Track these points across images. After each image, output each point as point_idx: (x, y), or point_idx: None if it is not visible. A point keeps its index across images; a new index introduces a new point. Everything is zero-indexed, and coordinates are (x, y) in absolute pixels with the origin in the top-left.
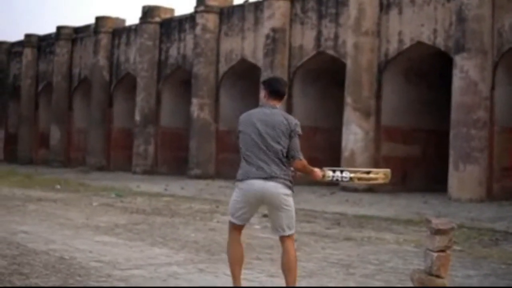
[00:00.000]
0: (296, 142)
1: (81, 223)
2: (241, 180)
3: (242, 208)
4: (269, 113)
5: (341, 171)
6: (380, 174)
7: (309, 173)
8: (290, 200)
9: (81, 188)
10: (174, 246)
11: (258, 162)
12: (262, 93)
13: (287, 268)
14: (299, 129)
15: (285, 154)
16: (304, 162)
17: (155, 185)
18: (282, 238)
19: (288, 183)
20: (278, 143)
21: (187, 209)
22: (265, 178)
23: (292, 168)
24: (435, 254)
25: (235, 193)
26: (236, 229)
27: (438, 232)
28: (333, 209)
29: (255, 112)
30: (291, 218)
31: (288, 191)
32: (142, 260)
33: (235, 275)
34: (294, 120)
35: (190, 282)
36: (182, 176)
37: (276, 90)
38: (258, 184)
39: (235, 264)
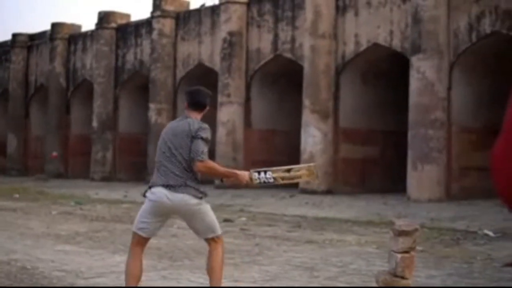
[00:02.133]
0: (197, 143)
1: (41, 232)
2: (150, 187)
3: (148, 219)
4: (179, 123)
5: (265, 172)
6: (303, 171)
7: (228, 176)
8: (203, 207)
9: (40, 197)
10: None
11: (165, 173)
12: (185, 104)
13: (211, 268)
14: (201, 133)
15: (190, 161)
16: (209, 163)
17: (114, 192)
18: (207, 240)
19: (196, 192)
20: (181, 151)
21: None
22: (172, 188)
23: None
24: (399, 256)
25: (144, 204)
26: (140, 243)
27: (401, 233)
28: (293, 211)
29: (169, 124)
30: (210, 222)
31: (196, 200)
32: (104, 268)
33: None
34: (197, 125)
35: None
36: (141, 182)
37: (195, 102)
38: (166, 196)
39: (132, 281)
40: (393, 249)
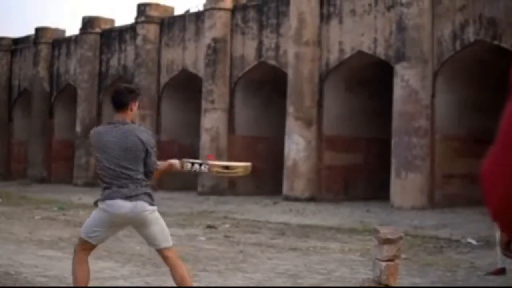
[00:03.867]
0: (152, 156)
1: (24, 237)
2: (103, 200)
3: (101, 228)
4: (122, 133)
5: (200, 164)
6: (239, 169)
7: (168, 170)
8: (157, 214)
9: (23, 201)
10: (120, 259)
11: (118, 183)
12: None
13: (181, 277)
14: (154, 144)
15: (142, 171)
16: (158, 167)
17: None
18: (162, 252)
19: (151, 200)
20: (135, 163)
21: None
22: (127, 198)
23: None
24: (384, 264)
25: (97, 214)
26: (87, 248)
27: (386, 241)
28: (277, 219)
29: (106, 132)
30: (163, 230)
31: (151, 207)
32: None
33: None
34: (147, 136)
35: None
36: None
37: (116, 102)
38: (122, 206)
39: (83, 285)
40: (377, 257)
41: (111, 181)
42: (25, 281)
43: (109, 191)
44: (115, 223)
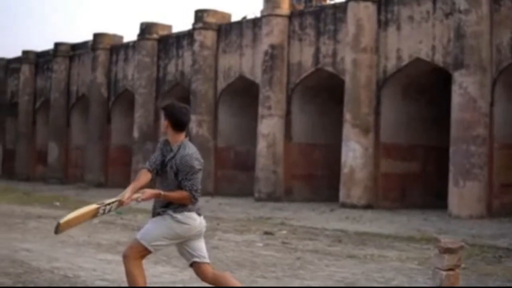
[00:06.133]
0: None
1: (82, 240)
2: (182, 212)
3: (168, 240)
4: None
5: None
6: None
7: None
8: None
9: (80, 205)
10: (178, 264)
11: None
12: (165, 123)
13: (228, 281)
14: None
15: None
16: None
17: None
18: (204, 266)
19: None
20: None
21: None
22: (199, 211)
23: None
24: (444, 273)
25: (167, 224)
26: (144, 256)
27: (447, 250)
28: (334, 226)
29: (196, 150)
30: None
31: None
32: (147, 279)
33: None
34: None
35: None
36: None
37: (185, 122)
38: (198, 220)
39: None
40: (437, 266)
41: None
42: (83, 284)
43: (198, 205)
44: (184, 237)
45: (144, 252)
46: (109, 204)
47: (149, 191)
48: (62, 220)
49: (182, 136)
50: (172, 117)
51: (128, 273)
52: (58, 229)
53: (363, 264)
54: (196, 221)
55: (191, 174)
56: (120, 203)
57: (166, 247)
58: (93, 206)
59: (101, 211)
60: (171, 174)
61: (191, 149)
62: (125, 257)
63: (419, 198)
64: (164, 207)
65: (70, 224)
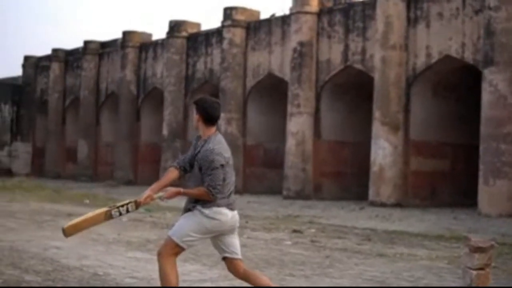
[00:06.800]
0: None
1: (112, 238)
2: (210, 207)
3: (200, 235)
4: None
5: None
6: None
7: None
8: None
9: (110, 203)
10: (207, 262)
11: (231, 193)
12: (196, 117)
13: (258, 277)
14: None
15: None
16: None
17: (184, 200)
18: (236, 262)
19: None
20: None
21: None
22: (231, 206)
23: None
24: (475, 272)
25: (202, 219)
26: (177, 254)
27: (477, 250)
28: (363, 224)
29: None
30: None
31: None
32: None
33: None
34: None
35: None
36: None
37: (216, 116)
38: (229, 215)
39: None
40: (467, 265)
41: (230, 190)
42: (113, 282)
43: (231, 199)
44: (216, 232)
45: (177, 249)
46: (122, 205)
47: (171, 190)
48: (66, 225)
49: (212, 131)
50: (203, 111)
51: (161, 271)
52: (65, 233)
53: (392, 263)
54: (226, 216)
55: (211, 169)
56: (137, 203)
57: (198, 242)
58: (103, 210)
59: (115, 213)
60: (196, 169)
61: (215, 144)
62: (159, 255)
63: (448, 197)
64: (194, 202)
65: (77, 227)
